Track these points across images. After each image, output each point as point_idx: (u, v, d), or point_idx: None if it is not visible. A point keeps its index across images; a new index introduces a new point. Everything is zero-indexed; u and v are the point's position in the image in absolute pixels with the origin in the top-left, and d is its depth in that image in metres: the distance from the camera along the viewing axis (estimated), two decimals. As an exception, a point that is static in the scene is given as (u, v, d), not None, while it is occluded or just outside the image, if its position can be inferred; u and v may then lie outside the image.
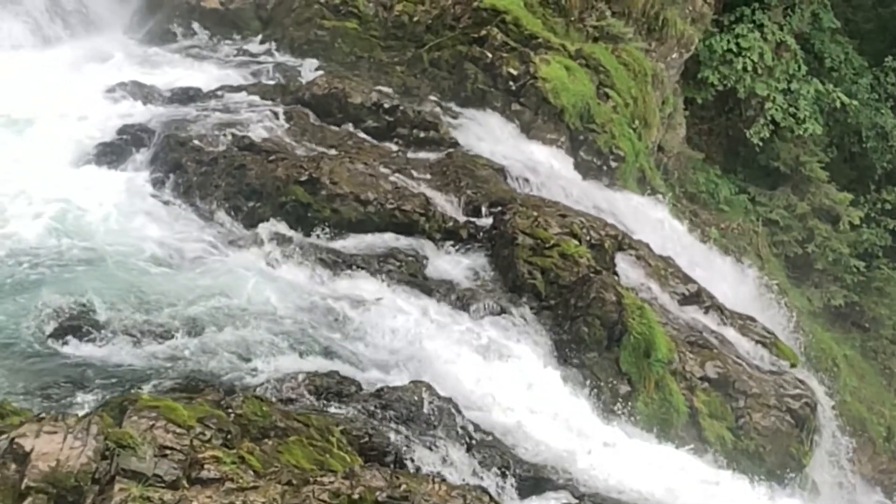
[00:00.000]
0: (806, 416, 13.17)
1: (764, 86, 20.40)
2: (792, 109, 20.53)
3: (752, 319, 14.61)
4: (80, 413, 8.58)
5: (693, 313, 13.91)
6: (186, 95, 14.65)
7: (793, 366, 14.04)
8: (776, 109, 20.46)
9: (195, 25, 16.73)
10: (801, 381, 13.62)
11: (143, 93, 14.60)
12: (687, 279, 14.31)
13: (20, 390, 9.36)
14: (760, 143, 20.46)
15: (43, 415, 8.26)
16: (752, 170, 21.21)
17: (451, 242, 12.90)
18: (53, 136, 13.51)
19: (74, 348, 10.04)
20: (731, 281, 16.64)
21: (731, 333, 13.96)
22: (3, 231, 11.50)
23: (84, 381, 9.62)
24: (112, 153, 13.31)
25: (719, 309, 14.20)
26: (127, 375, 9.77)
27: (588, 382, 11.87)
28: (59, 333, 10.10)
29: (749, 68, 20.21)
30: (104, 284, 10.88)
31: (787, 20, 21.04)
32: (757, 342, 14.10)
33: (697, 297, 14.10)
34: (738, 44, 20.23)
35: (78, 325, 10.19)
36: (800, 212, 20.71)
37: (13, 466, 7.71)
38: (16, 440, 7.82)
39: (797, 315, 17.95)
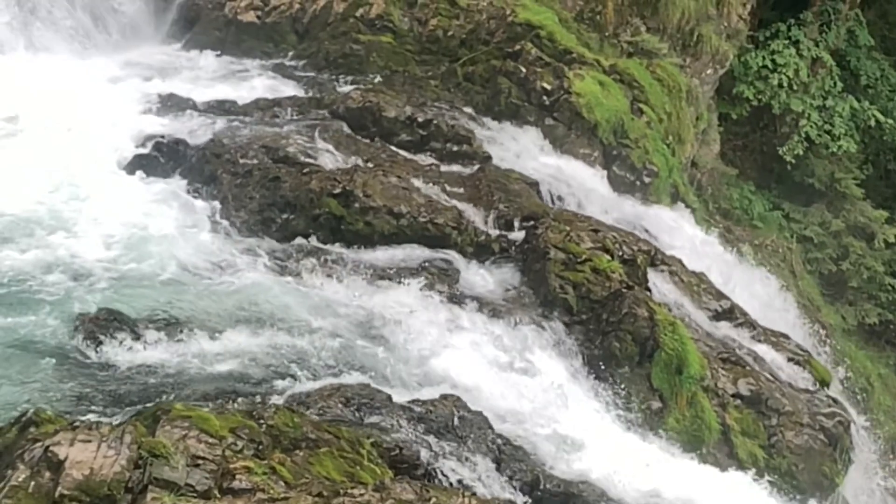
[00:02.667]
0: (839, 434, 13.06)
1: (799, 102, 20.33)
2: (827, 126, 20.44)
3: (786, 336, 14.53)
4: (114, 422, 8.64)
5: (726, 329, 13.85)
6: (222, 108, 14.77)
7: (826, 384, 13.94)
8: (811, 126, 20.37)
9: (232, 38, 16.87)
10: (834, 400, 13.53)
11: (180, 104, 14.73)
12: (720, 295, 14.25)
13: (55, 398, 9.44)
14: (793, 161, 20.36)
15: (77, 423, 8.32)
16: (787, 186, 21.12)
17: (483, 256, 12.92)
18: (90, 145, 13.63)
19: (109, 357, 10.11)
20: (764, 297, 16.56)
21: (764, 350, 13.89)
22: (40, 240, 11.60)
23: (118, 390, 9.69)
24: (148, 164, 13.43)
25: (752, 325, 14.14)
26: (160, 385, 9.83)
27: (619, 398, 11.84)
28: (94, 342, 10.18)
29: (784, 84, 20.16)
30: (138, 294, 10.98)
31: (822, 36, 20.96)
32: (790, 360, 14.02)
33: (730, 313, 14.05)
34: (773, 60, 20.18)
35: (113, 334, 10.27)
36: (834, 229, 20.59)
37: (47, 474, 7.78)
38: (50, 448, 7.88)
39: (831, 333, 17.82)
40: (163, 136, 13.83)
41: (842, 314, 20.21)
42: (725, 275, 15.68)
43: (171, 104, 14.76)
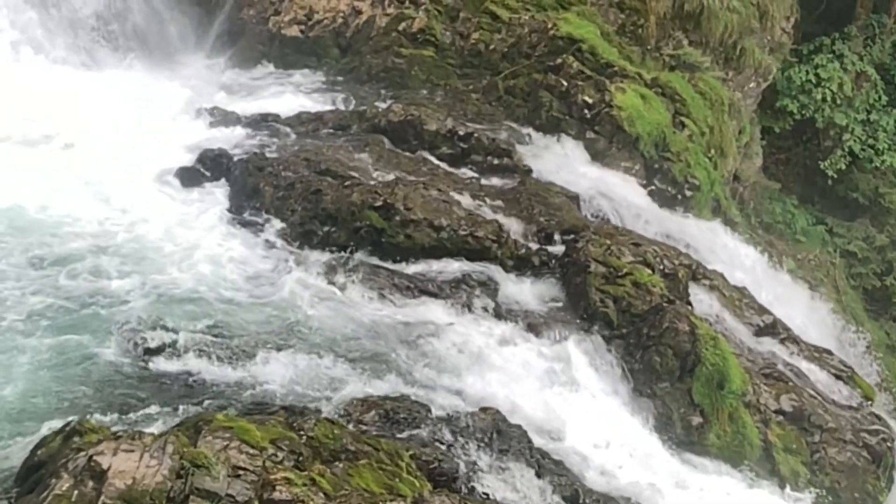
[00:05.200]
0: (883, 452, 12.91)
1: (843, 116, 20.19)
2: (871, 141, 20.28)
3: (829, 352, 14.39)
4: (157, 432, 8.72)
5: (768, 345, 13.74)
6: (265, 121, 14.89)
7: (870, 400, 13.79)
8: (854, 140, 20.22)
9: (276, 52, 17.02)
10: (877, 417, 13.37)
11: (224, 117, 14.88)
12: (762, 310, 14.15)
13: (99, 408, 9.54)
14: (836, 175, 20.21)
15: (120, 433, 8.41)
16: (830, 200, 20.97)
17: (523, 269, 12.91)
18: (135, 158, 13.80)
19: (152, 368, 10.22)
20: (807, 313, 16.42)
21: (806, 366, 13.76)
22: (85, 252, 11.75)
23: (160, 400, 9.78)
24: (192, 177, 13.57)
25: (795, 341, 14.02)
26: (201, 395, 9.91)
27: (659, 413, 11.78)
28: (138, 353, 10.30)
29: (828, 98, 20.03)
30: (181, 306, 11.08)
31: (867, 50, 20.81)
32: (833, 375, 13.88)
33: (773, 328, 13.94)
34: (817, 74, 20.07)
35: (155, 345, 10.38)
36: (878, 244, 20.40)
37: (90, 483, 7.86)
38: (94, 457, 7.97)
39: (875, 348, 17.64)
40: (206, 149, 13.97)
41: (885, 330, 20.00)
42: (768, 289, 15.56)
43: (215, 117, 14.92)
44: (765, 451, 12.29)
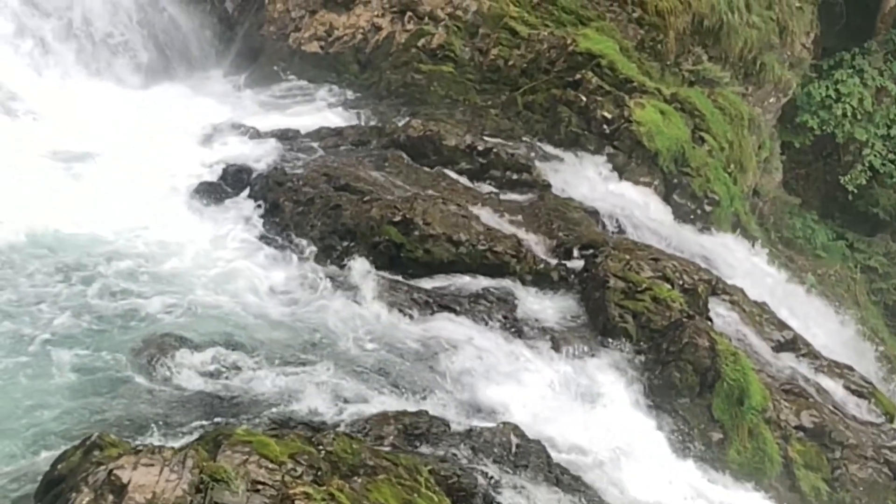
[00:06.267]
0: (905, 468, 12.83)
1: (863, 131, 20.14)
2: (891, 155, 20.22)
3: (850, 368, 14.31)
4: (176, 446, 8.75)
5: (788, 360, 13.68)
6: (285, 136, 14.96)
7: (892, 417, 13.71)
8: (875, 155, 20.16)
9: (296, 68, 17.10)
10: (899, 433, 13.29)
11: (244, 133, 14.95)
12: (782, 325, 14.10)
13: (119, 422, 9.58)
14: (856, 190, 20.15)
15: (140, 447, 8.44)
16: (851, 215, 20.89)
17: (542, 284, 12.91)
18: (155, 173, 13.88)
19: (171, 382, 10.26)
20: (827, 328, 16.34)
21: (827, 382, 13.69)
22: (108, 268, 11.81)
23: (180, 414, 9.82)
24: (212, 192, 13.64)
25: (815, 357, 13.95)
26: (221, 409, 9.94)
27: (679, 428, 11.73)
28: (157, 367, 10.34)
29: (848, 114, 19.98)
30: (200, 320, 11.13)
31: (887, 66, 20.77)
32: (854, 392, 13.80)
33: (793, 343, 13.88)
34: (837, 89, 20.03)
35: (175, 359, 10.42)
36: (900, 259, 20.32)
37: (110, 498, 7.88)
38: (114, 472, 7.99)
39: (896, 364, 17.55)
40: (227, 165, 14.05)
41: (907, 346, 19.89)
42: (787, 305, 15.51)
43: (236, 133, 14.99)
44: (785, 468, 12.22)
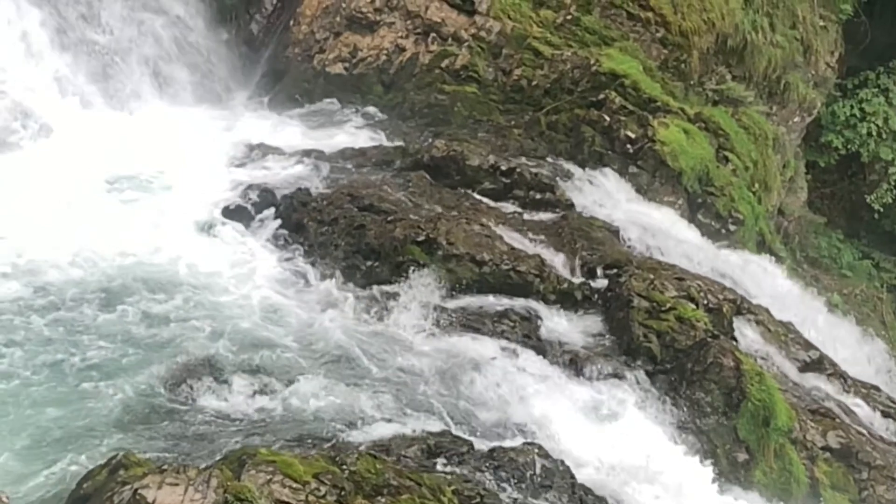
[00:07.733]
0: (932, 490, 12.72)
1: (888, 150, 20.06)
2: (917, 175, 20.12)
3: (877, 389, 14.22)
4: (201, 466, 8.79)
5: (814, 380, 13.61)
6: (310, 157, 15.02)
7: (919, 437, 13.60)
8: (900, 174, 20.07)
9: (320, 89, 17.20)
10: (927, 454, 13.17)
11: (269, 155, 15.03)
12: (808, 345, 14.02)
13: (144, 442, 9.64)
14: (882, 209, 20.06)
15: (165, 467, 8.48)
16: (877, 235, 20.79)
17: (566, 304, 12.89)
18: (180, 195, 13.99)
19: (196, 402, 10.31)
20: (853, 348, 16.25)
21: (853, 402, 13.60)
22: (131, 290, 11.90)
23: (204, 434, 9.86)
24: (237, 213, 13.71)
25: (842, 377, 13.87)
26: (245, 429, 9.98)
27: (704, 449, 11.68)
28: (182, 388, 10.40)
29: (873, 133, 19.90)
30: (225, 341, 11.18)
31: (912, 84, 20.69)
32: (881, 412, 13.71)
33: (819, 363, 13.80)
34: (861, 108, 19.97)
35: (200, 379, 10.49)
36: (926, 279, 20.18)
37: (135, 516, 7.94)
38: (139, 491, 8.05)
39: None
40: (251, 186, 14.13)
41: (934, 366, 19.71)
42: (813, 324, 15.43)
43: (260, 154, 15.08)
44: (812, 489, 12.14)
